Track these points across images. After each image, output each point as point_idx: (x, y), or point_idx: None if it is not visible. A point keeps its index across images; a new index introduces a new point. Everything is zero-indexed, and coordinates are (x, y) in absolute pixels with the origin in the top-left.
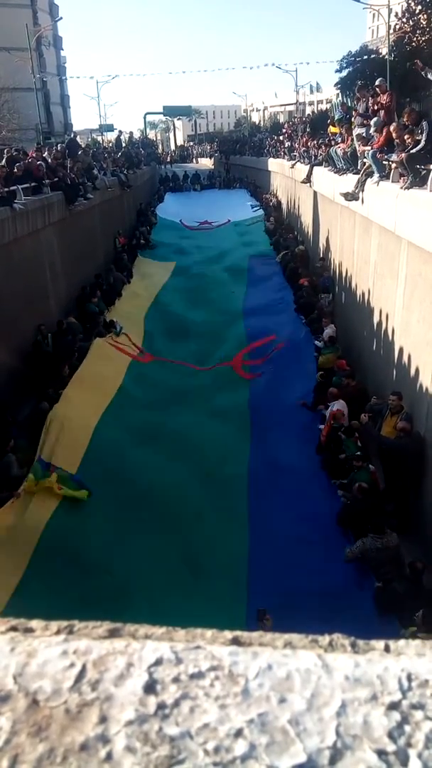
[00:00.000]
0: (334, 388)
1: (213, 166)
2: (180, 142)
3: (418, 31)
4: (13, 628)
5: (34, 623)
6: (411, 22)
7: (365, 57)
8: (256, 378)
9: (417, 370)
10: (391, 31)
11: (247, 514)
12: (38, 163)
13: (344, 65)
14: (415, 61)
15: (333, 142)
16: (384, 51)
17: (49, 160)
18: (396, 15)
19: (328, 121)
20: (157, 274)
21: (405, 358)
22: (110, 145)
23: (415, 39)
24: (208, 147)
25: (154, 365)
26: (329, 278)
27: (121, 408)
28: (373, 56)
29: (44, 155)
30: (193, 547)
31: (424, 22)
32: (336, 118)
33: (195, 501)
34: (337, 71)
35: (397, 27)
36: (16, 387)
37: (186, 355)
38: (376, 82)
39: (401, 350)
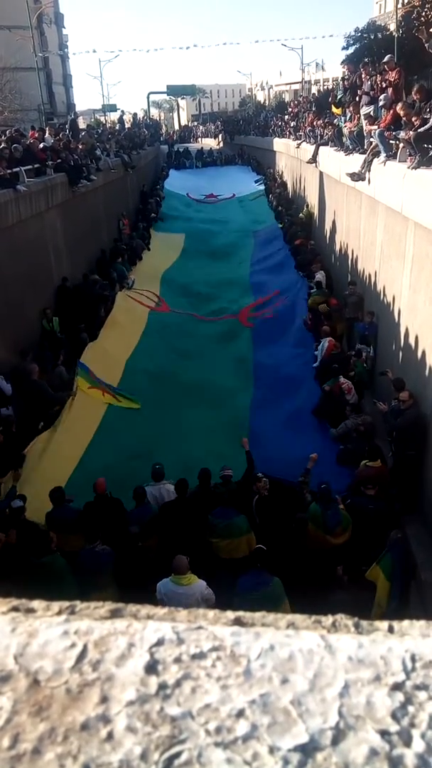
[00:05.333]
0: (326, 327)
1: (218, 146)
2: (184, 121)
3: (427, 6)
4: (15, 608)
5: (36, 603)
6: None
7: (372, 35)
8: (257, 324)
9: (423, 352)
10: (399, 5)
11: (250, 404)
12: (40, 145)
13: (351, 42)
14: (417, 26)
15: (338, 123)
16: (392, 27)
17: (52, 141)
18: None
19: (330, 99)
20: (171, 243)
21: (411, 340)
22: (114, 125)
23: (424, 14)
24: (213, 127)
25: (170, 314)
26: (368, 326)
27: (148, 342)
28: (380, 32)
29: (46, 136)
30: (212, 427)
31: None
32: (338, 98)
33: (213, 400)
34: (343, 48)
35: (406, 1)
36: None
37: (198, 310)
38: (385, 59)
39: (407, 331)
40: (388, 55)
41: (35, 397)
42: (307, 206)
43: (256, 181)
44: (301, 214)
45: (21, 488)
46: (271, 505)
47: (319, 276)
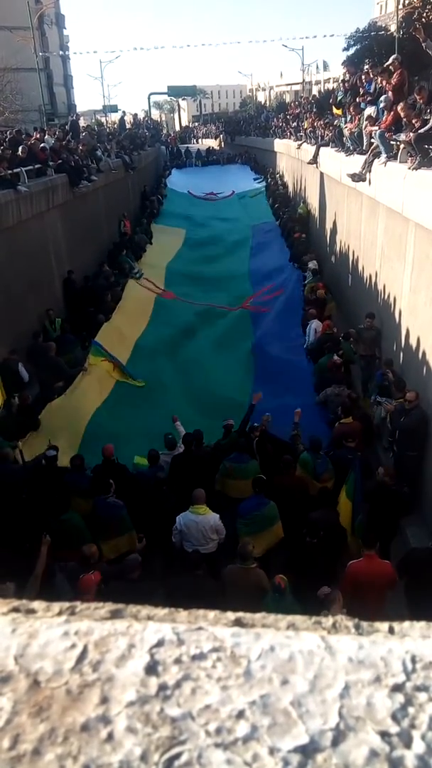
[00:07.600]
0: (312, 311)
1: (219, 147)
2: (185, 122)
3: (428, 7)
4: (15, 609)
5: (36, 604)
6: None
7: (373, 33)
8: (258, 313)
9: (424, 353)
10: (400, 6)
11: (253, 370)
12: (42, 145)
13: (351, 42)
14: (416, 26)
15: (339, 124)
16: (393, 27)
17: (53, 142)
18: None
19: (331, 100)
20: (173, 238)
21: (412, 341)
22: (114, 126)
23: (425, 15)
24: (213, 128)
25: (174, 302)
26: (388, 377)
27: (155, 324)
28: (381, 33)
29: (46, 137)
30: (213, 396)
31: None
32: (339, 99)
33: (212, 371)
34: (344, 49)
35: (406, 2)
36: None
37: (200, 300)
38: (390, 60)
39: (408, 333)
40: (394, 56)
41: (52, 371)
42: (305, 203)
43: (255, 179)
44: (299, 210)
45: (32, 449)
46: (266, 442)
47: (312, 265)
